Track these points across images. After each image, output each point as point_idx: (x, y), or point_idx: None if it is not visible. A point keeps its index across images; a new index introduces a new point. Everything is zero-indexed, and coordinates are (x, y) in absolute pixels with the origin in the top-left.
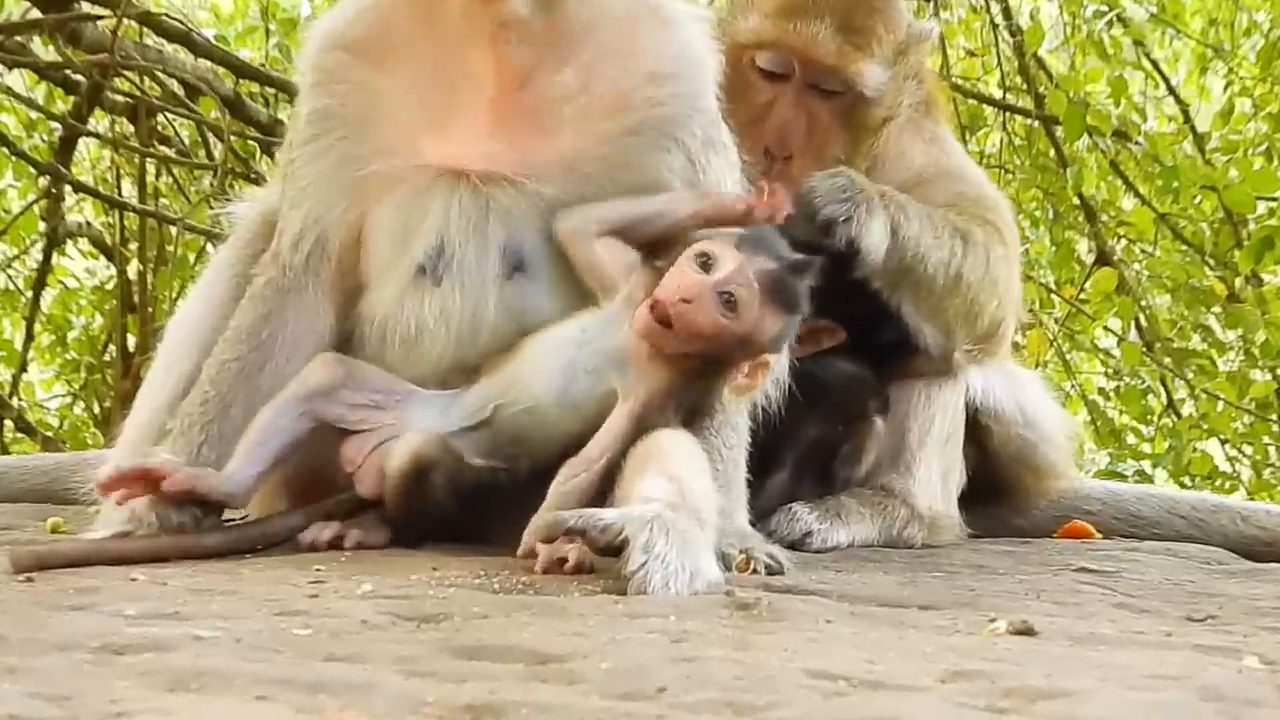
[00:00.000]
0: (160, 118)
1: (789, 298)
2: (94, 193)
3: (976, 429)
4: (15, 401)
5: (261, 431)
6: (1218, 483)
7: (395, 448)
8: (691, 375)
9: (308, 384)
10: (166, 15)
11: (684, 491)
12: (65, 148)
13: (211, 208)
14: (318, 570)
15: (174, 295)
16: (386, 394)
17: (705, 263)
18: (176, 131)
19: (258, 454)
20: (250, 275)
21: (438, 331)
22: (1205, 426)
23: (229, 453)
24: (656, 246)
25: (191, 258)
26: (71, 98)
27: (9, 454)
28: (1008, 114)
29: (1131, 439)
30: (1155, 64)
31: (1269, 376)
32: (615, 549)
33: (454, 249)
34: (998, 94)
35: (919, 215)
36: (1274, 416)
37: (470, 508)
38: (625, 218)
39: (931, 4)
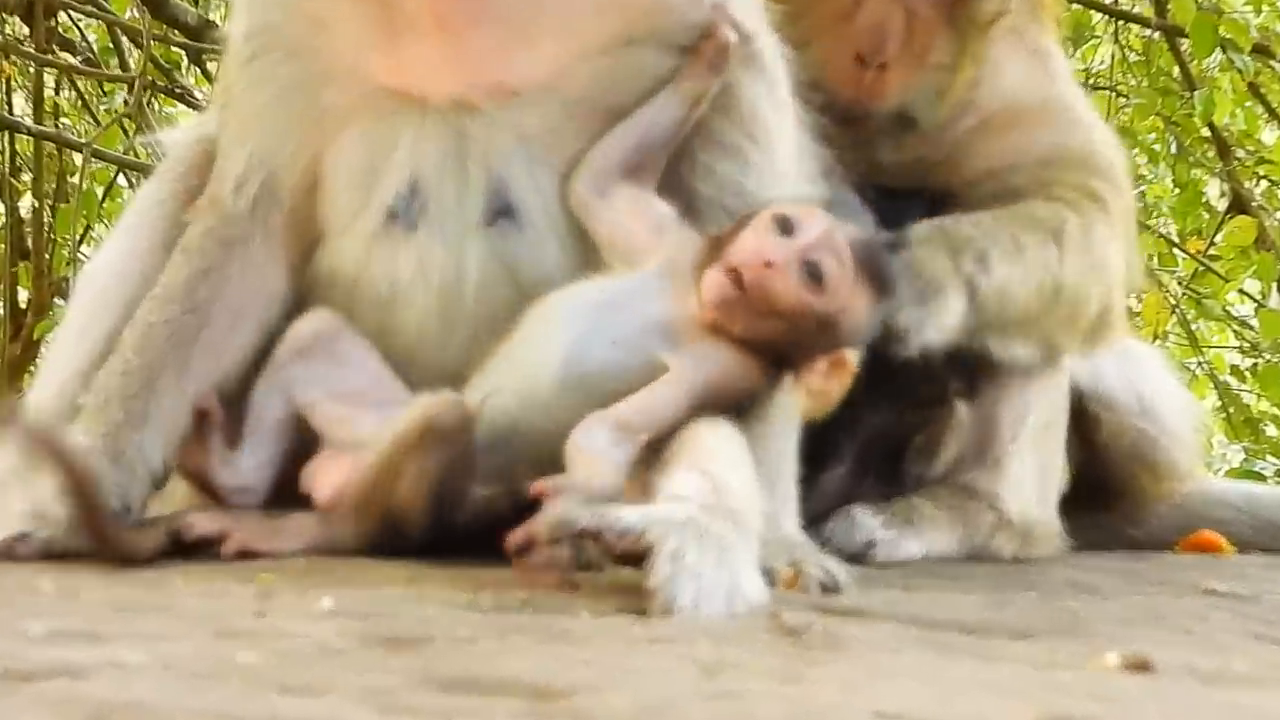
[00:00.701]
0: (62, 17)
1: (883, 276)
2: None
3: (1082, 417)
4: None
5: (253, 409)
6: None
7: (400, 414)
8: (760, 366)
9: (288, 342)
10: None
11: (721, 489)
12: None
13: (126, 131)
14: (265, 581)
15: (77, 239)
16: (376, 390)
17: (785, 226)
18: (83, 35)
19: (252, 439)
20: (184, 220)
21: (414, 290)
22: None
23: (155, 438)
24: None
25: (100, 192)
26: None
27: None
28: (1121, 23)
29: (1272, 430)
30: None
31: None
32: (636, 556)
33: (429, 190)
34: None
35: (1001, 247)
36: None
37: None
38: (628, 147)
39: None
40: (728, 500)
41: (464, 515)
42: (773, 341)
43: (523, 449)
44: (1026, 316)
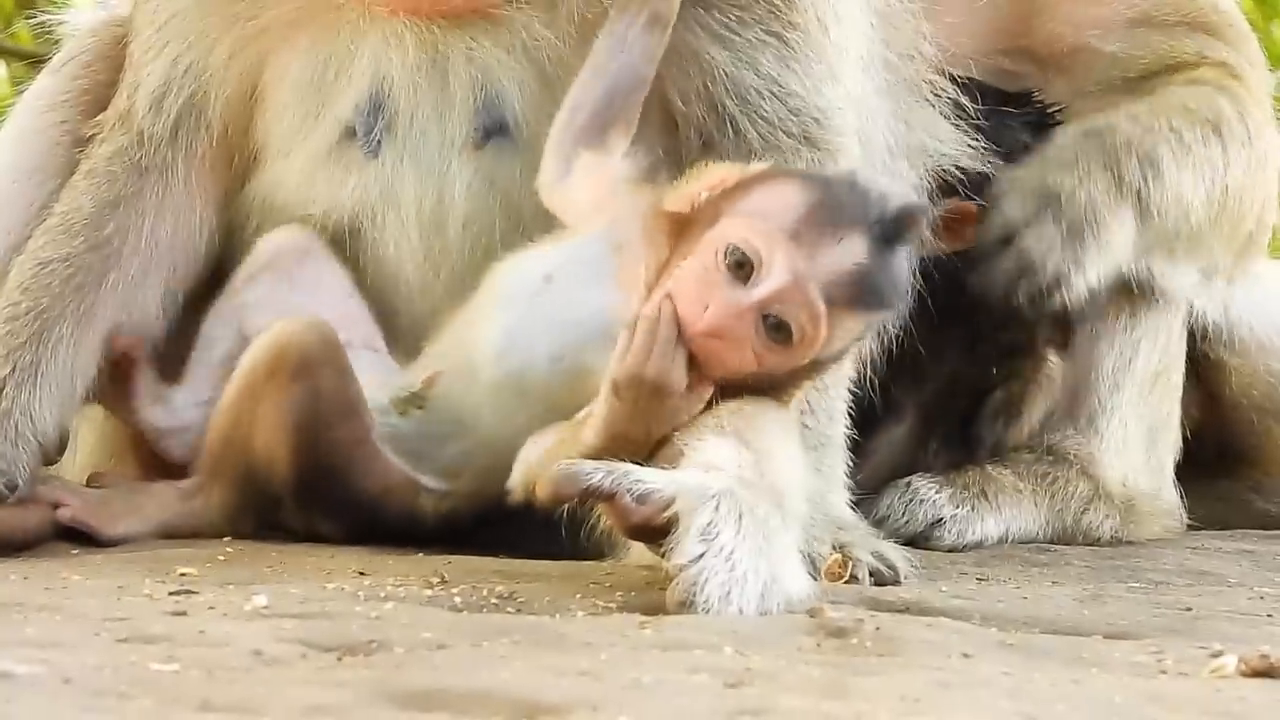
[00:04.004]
0: None
1: (877, 298)
2: None
3: (1202, 365)
4: None
5: (201, 337)
6: None
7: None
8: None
9: (250, 259)
10: None
11: (764, 464)
12: None
13: None
14: (184, 575)
15: None
16: (341, 327)
17: (742, 268)
18: None
19: (195, 372)
20: (87, 134)
21: (382, 222)
22: None
23: (48, 398)
24: None
25: None
26: None
27: None
28: None
29: None
30: None
31: None
32: (656, 530)
33: (399, 104)
34: None
35: (1168, 145)
36: None
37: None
38: (594, 106)
39: None
40: (771, 477)
41: (370, 485)
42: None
43: (473, 446)
44: (1196, 231)
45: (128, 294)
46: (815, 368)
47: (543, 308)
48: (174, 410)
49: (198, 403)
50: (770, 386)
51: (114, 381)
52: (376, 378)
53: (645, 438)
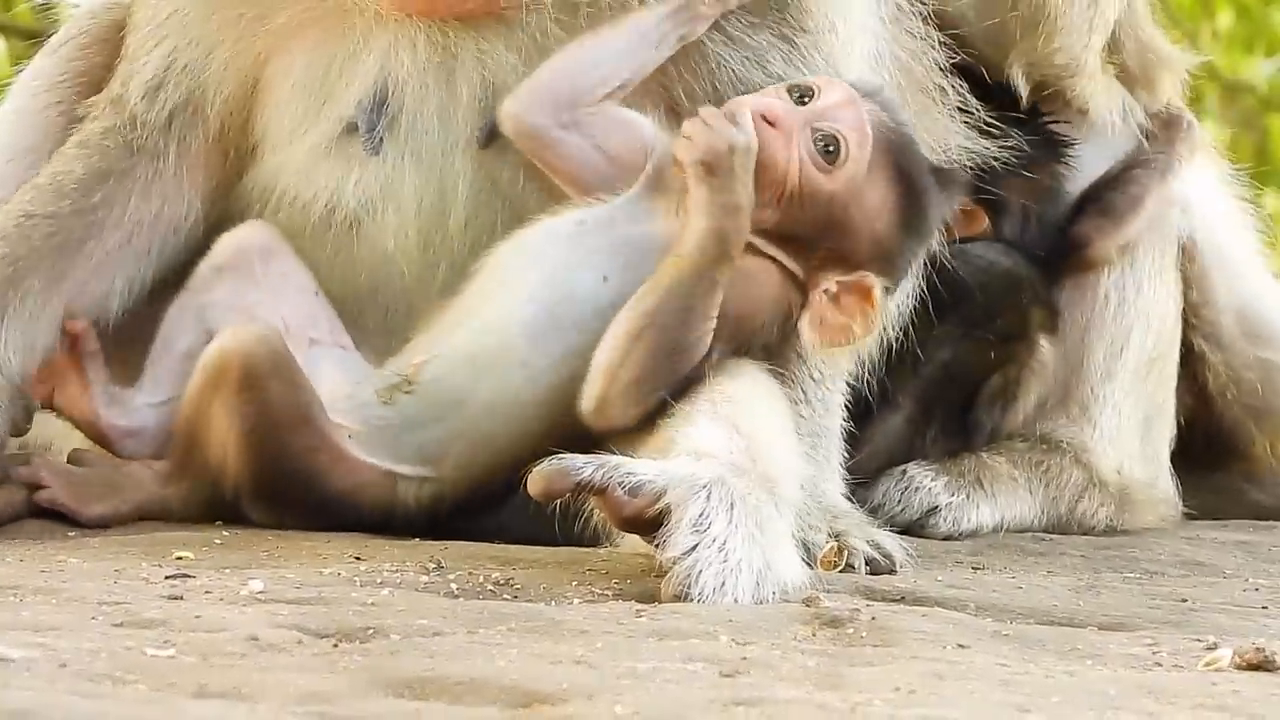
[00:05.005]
0: None
1: (914, 175)
2: None
3: (1188, 355)
4: None
5: (160, 334)
6: None
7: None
8: (774, 273)
9: (213, 255)
10: None
11: (756, 452)
12: None
13: None
14: (180, 559)
15: None
16: (307, 326)
17: (802, 94)
18: None
19: (153, 371)
20: (81, 114)
21: (381, 217)
22: None
23: (14, 339)
24: None
25: None
26: None
27: None
28: None
29: None
30: None
31: None
32: (648, 523)
33: (404, 100)
34: None
35: None
36: None
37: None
38: (606, 80)
39: None
40: (764, 465)
41: (336, 485)
42: (767, 231)
43: (460, 427)
44: None
45: (100, 268)
46: (843, 240)
47: (583, 243)
48: (131, 411)
49: (155, 403)
50: (806, 247)
51: (70, 374)
52: (348, 374)
53: (749, 204)
